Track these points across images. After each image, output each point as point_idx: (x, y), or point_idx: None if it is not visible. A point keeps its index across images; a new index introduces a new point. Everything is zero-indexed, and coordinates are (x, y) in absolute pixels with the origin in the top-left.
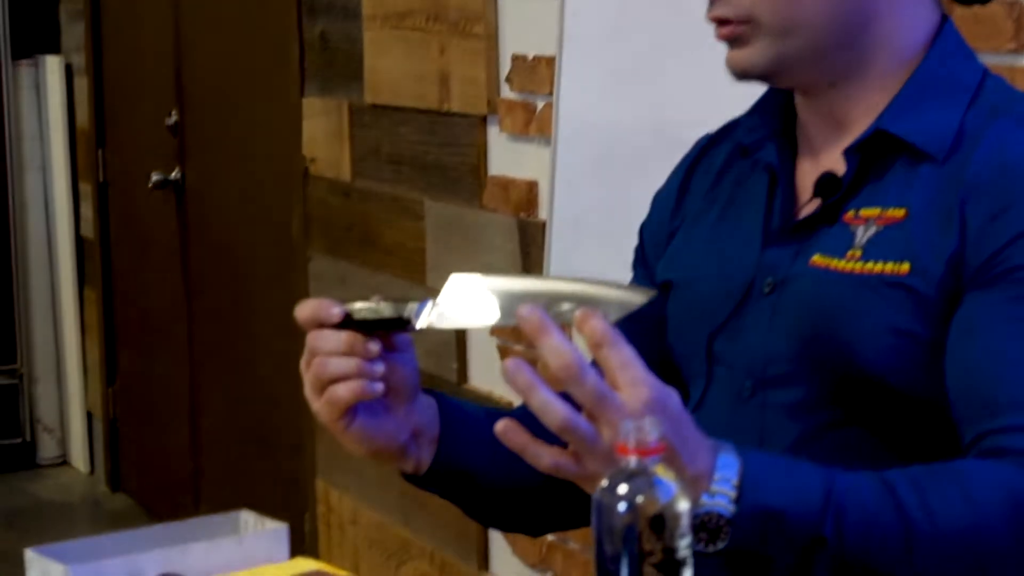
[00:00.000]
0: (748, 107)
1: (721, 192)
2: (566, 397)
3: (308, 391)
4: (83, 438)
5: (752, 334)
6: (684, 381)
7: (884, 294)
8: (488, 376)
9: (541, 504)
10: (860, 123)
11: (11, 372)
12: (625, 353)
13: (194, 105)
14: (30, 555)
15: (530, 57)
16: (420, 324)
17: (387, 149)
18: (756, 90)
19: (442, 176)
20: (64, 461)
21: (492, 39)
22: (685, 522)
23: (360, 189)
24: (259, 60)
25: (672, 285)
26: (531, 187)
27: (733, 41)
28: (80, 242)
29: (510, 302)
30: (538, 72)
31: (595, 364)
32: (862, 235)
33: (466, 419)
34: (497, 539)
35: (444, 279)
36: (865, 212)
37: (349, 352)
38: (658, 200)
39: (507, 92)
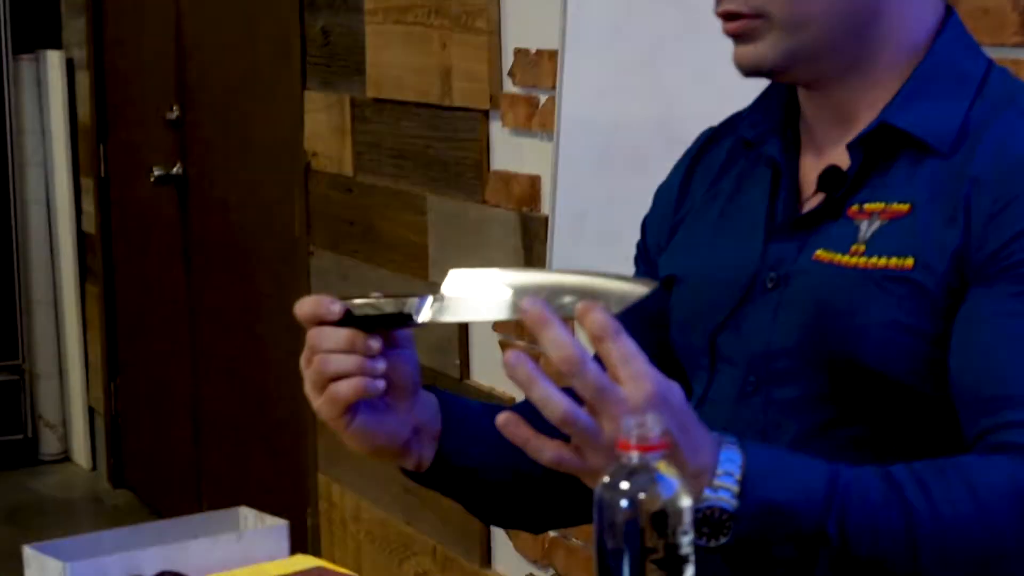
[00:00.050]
0: (751, 101)
1: (724, 187)
2: (569, 392)
3: (308, 388)
4: (85, 434)
5: (755, 329)
6: (687, 376)
7: (888, 289)
8: (490, 372)
9: (543, 500)
10: (864, 117)
11: (13, 368)
12: (627, 346)
13: (195, 100)
14: (28, 552)
15: (533, 51)
16: (421, 319)
17: (389, 144)
18: (759, 84)
19: (444, 171)
20: (66, 457)
21: (494, 33)
22: (687, 519)
23: (362, 184)
24: (260, 54)
25: (675, 280)
26: (533, 182)
27: (741, 37)
28: (82, 237)
29: (511, 296)
30: (541, 66)
31: (597, 358)
32: (866, 230)
33: (468, 415)
34: (499, 535)
35: (446, 274)
36: (869, 206)
37: (350, 349)
38: (660, 194)
39: (509, 86)
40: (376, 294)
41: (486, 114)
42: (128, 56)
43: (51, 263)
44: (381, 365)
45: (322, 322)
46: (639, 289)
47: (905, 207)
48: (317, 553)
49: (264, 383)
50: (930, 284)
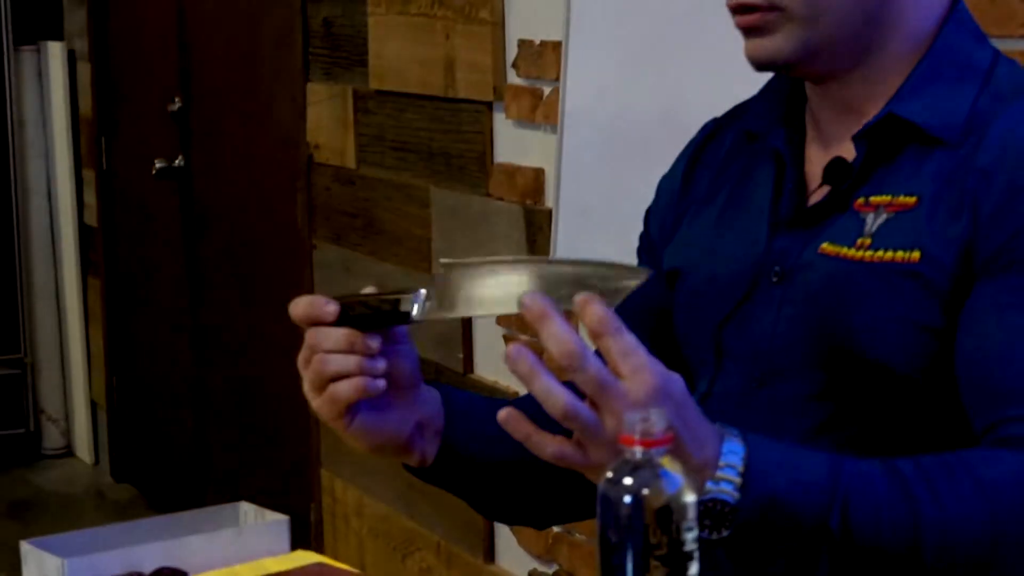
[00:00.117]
0: (756, 92)
1: (728, 178)
2: (571, 387)
3: (307, 389)
4: (87, 428)
5: (760, 324)
6: (691, 371)
7: (894, 283)
8: (493, 366)
9: (547, 495)
10: (870, 108)
11: (15, 362)
12: (627, 340)
13: (198, 92)
14: (25, 548)
15: (536, 42)
16: (418, 316)
17: (392, 136)
18: (765, 75)
19: (447, 163)
20: (68, 451)
21: (498, 24)
22: (691, 514)
23: (365, 176)
24: (263, 46)
25: (679, 274)
26: (537, 174)
27: (755, 30)
28: (83, 230)
29: (510, 289)
30: (544, 58)
31: (598, 352)
32: (872, 223)
33: (471, 410)
34: (502, 530)
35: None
36: (875, 199)
37: (350, 349)
38: (663, 186)
39: (513, 78)
40: (369, 288)
41: (490, 106)
42: (130, 48)
43: (53, 256)
44: (381, 364)
45: (318, 322)
46: (636, 277)
47: (912, 200)
48: (320, 549)
49: (267, 377)
50: (937, 277)
